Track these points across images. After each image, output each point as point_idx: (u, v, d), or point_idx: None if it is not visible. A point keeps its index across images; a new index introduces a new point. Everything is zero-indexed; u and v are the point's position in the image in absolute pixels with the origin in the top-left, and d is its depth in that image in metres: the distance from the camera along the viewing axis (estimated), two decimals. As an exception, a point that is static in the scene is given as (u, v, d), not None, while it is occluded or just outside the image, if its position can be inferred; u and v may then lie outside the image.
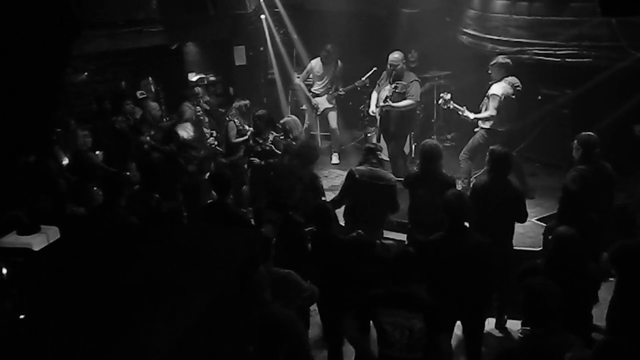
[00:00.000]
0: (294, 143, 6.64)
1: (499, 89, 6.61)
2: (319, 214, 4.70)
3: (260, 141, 6.99)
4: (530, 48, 7.30)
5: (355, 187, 5.50)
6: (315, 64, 8.68)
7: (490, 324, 5.28)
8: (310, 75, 8.74)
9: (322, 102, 8.70)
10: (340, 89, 8.60)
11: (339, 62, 8.60)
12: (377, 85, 7.58)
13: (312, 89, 8.76)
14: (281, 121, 7.09)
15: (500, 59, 6.71)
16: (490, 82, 6.77)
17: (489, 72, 6.74)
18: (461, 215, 4.43)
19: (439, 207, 4.62)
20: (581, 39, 6.82)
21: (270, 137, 6.99)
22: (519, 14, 7.45)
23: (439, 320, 3.70)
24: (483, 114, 6.69)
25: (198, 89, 8.92)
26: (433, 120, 8.81)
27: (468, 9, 8.35)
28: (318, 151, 6.33)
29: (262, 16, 9.60)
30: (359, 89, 8.45)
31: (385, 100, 7.25)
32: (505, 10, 7.62)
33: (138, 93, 8.38)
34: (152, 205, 5.28)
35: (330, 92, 8.61)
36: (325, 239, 4.64)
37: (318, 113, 8.75)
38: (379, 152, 5.71)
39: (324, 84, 8.66)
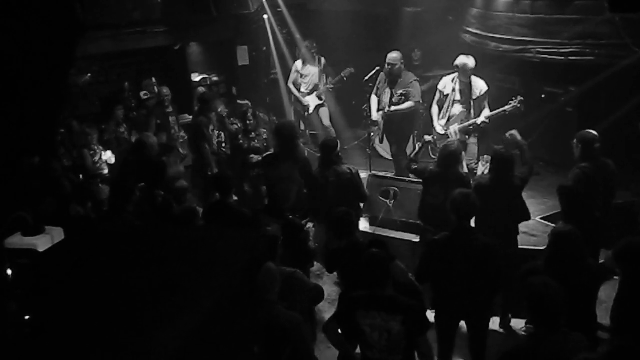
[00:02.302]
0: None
1: (485, 84, 6.58)
2: (343, 223, 4.64)
3: (253, 135, 6.99)
4: (534, 46, 7.28)
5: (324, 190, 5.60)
6: (298, 63, 8.69)
7: (494, 323, 5.28)
8: (298, 77, 8.73)
9: (312, 100, 8.66)
10: (328, 84, 8.59)
11: (322, 58, 8.57)
12: (376, 89, 7.57)
13: (301, 89, 8.73)
14: (278, 124, 7.06)
15: (467, 59, 6.53)
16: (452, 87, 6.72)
17: (464, 79, 6.56)
18: (467, 216, 4.42)
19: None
20: (585, 37, 6.79)
21: (264, 134, 7.02)
22: (522, 12, 7.43)
23: (418, 323, 3.66)
24: (489, 112, 6.54)
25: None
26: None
27: (471, 7, 8.34)
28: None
29: (265, 16, 9.61)
30: (345, 79, 8.41)
31: (389, 105, 7.24)
32: (509, 8, 7.60)
33: (142, 94, 8.39)
34: (158, 202, 5.29)
35: (320, 88, 8.58)
36: (351, 249, 4.55)
37: (310, 112, 8.70)
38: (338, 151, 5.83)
39: (310, 82, 8.64)
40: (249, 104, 7.66)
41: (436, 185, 5.38)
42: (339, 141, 6.11)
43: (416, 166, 5.75)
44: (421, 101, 7.44)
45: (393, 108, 7.22)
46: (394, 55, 7.23)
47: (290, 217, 5.03)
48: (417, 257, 5.47)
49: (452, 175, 5.34)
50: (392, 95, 7.25)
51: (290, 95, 9.43)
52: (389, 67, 7.21)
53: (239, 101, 7.67)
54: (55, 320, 2.09)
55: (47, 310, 2.14)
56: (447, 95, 6.74)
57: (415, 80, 7.28)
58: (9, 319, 2.06)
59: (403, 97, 7.18)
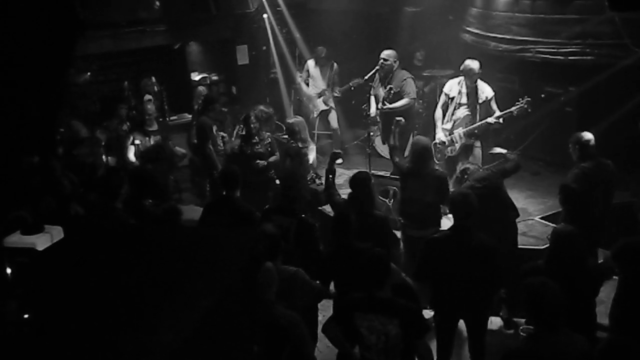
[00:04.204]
0: (300, 145, 6.61)
1: (491, 89, 6.58)
2: (341, 223, 4.60)
3: (255, 140, 6.90)
4: (533, 46, 7.28)
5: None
6: (311, 64, 8.73)
7: (493, 322, 5.28)
8: (307, 76, 8.78)
9: (319, 105, 8.71)
10: (337, 90, 8.60)
11: (335, 64, 8.62)
12: (371, 88, 7.59)
13: (309, 90, 8.79)
14: (289, 121, 7.05)
15: (473, 63, 6.52)
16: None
17: (470, 82, 6.55)
18: (466, 215, 4.42)
19: (430, 201, 4.83)
20: (584, 36, 6.79)
21: (268, 139, 6.97)
22: (521, 12, 7.43)
23: (415, 325, 3.65)
24: (499, 112, 6.50)
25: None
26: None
27: (471, 7, 8.34)
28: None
29: (265, 15, 9.61)
30: (352, 88, 8.42)
31: (383, 103, 7.26)
32: (508, 8, 7.60)
33: (145, 98, 8.35)
34: (146, 210, 5.22)
35: (326, 94, 8.61)
36: (345, 248, 4.52)
37: (315, 115, 8.74)
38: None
39: (318, 86, 8.68)
40: (264, 109, 7.26)
41: (413, 180, 5.50)
42: (372, 177, 5.32)
43: (397, 159, 5.88)
44: (416, 98, 7.46)
45: (389, 106, 7.24)
46: (387, 52, 7.32)
47: (303, 215, 5.00)
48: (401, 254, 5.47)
49: (427, 169, 5.46)
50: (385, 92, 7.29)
51: (290, 94, 9.45)
52: (381, 62, 7.30)
53: (261, 107, 7.27)
54: (54, 320, 2.09)
55: (46, 310, 2.14)
56: (453, 98, 6.73)
57: (409, 77, 7.33)
58: (9, 318, 2.06)
59: (392, 93, 7.21)
